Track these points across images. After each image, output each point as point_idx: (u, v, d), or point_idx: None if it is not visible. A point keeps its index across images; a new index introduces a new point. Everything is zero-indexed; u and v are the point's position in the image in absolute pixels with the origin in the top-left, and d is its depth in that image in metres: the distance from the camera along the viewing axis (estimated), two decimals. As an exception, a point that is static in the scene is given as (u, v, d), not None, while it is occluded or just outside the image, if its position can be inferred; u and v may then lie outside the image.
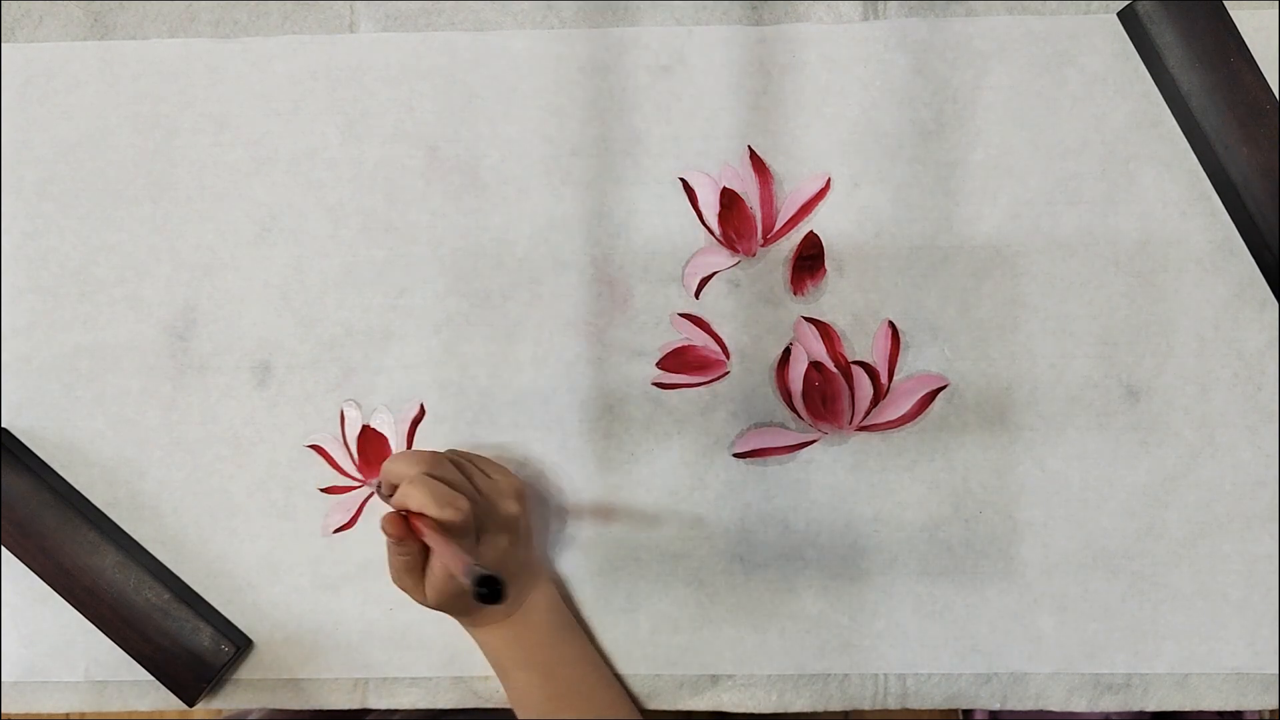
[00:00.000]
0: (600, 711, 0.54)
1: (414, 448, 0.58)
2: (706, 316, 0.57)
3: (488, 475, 0.53)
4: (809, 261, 0.57)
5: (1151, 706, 0.57)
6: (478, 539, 0.50)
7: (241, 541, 0.58)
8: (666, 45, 0.58)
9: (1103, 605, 0.57)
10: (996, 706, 0.57)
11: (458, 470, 0.51)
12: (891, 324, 0.57)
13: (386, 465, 0.50)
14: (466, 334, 0.58)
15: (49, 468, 0.58)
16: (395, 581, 0.50)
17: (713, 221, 0.57)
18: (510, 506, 0.52)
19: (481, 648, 0.55)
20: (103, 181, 0.59)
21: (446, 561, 0.46)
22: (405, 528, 0.48)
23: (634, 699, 0.58)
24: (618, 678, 0.57)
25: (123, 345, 0.59)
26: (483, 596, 0.40)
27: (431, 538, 0.46)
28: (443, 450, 0.54)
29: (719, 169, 0.57)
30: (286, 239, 0.58)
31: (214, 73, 0.59)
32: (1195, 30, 0.55)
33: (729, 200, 0.56)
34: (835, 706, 0.58)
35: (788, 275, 0.57)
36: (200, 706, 0.58)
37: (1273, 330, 0.56)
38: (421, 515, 0.47)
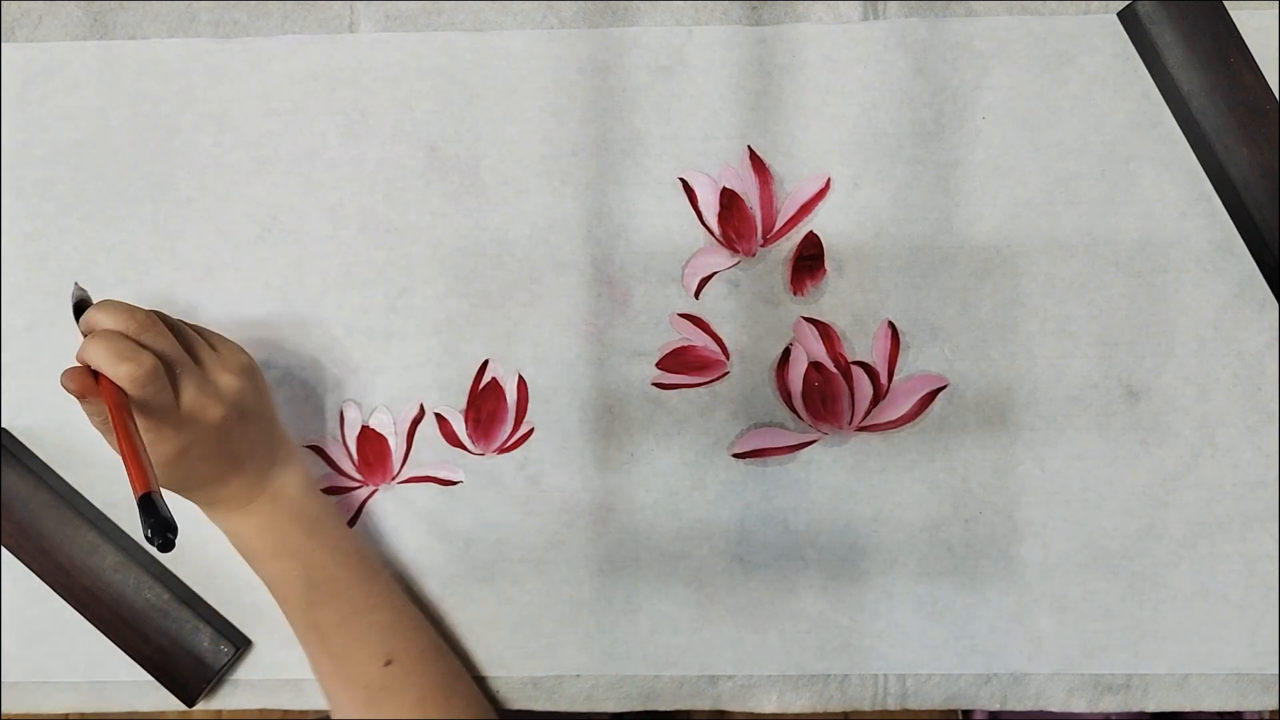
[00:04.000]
0: (365, 602, 0.51)
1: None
2: (706, 316, 0.57)
3: (213, 347, 0.49)
4: (809, 261, 0.57)
5: (1151, 707, 0.57)
6: (178, 403, 0.46)
7: (241, 541, 0.58)
8: (666, 45, 0.58)
9: (1103, 605, 0.57)
10: (996, 707, 0.57)
11: (174, 335, 0.47)
12: (891, 324, 0.57)
13: (88, 313, 0.46)
14: (466, 334, 0.58)
15: (49, 468, 0.58)
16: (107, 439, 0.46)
17: (713, 221, 0.57)
18: (230, 380, 0.48)
19: (228, 536, 0.51)
20: (103, 181, 0.59)
21: (122, 457, 0.40)
22: (86, 384, 0.43)
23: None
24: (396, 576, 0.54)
25: (123, 345, 0.58)
26: (148, 536, 0.37)
27: (113, 414, 0.41)
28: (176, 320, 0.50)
29: (719, 169, 0.57)
30: (286, 239, 0.58)
31: (214, 73, 0.59)
32: (1195, 30, 0.55)
33: (729, 200, 0.56)
34: (835, 707, 0.58)
35: (788, 275, 0.57)
36: (200, 706, 0.58)
37: (1273, 330, 0.56)
38: (107, 379, 0.42)
